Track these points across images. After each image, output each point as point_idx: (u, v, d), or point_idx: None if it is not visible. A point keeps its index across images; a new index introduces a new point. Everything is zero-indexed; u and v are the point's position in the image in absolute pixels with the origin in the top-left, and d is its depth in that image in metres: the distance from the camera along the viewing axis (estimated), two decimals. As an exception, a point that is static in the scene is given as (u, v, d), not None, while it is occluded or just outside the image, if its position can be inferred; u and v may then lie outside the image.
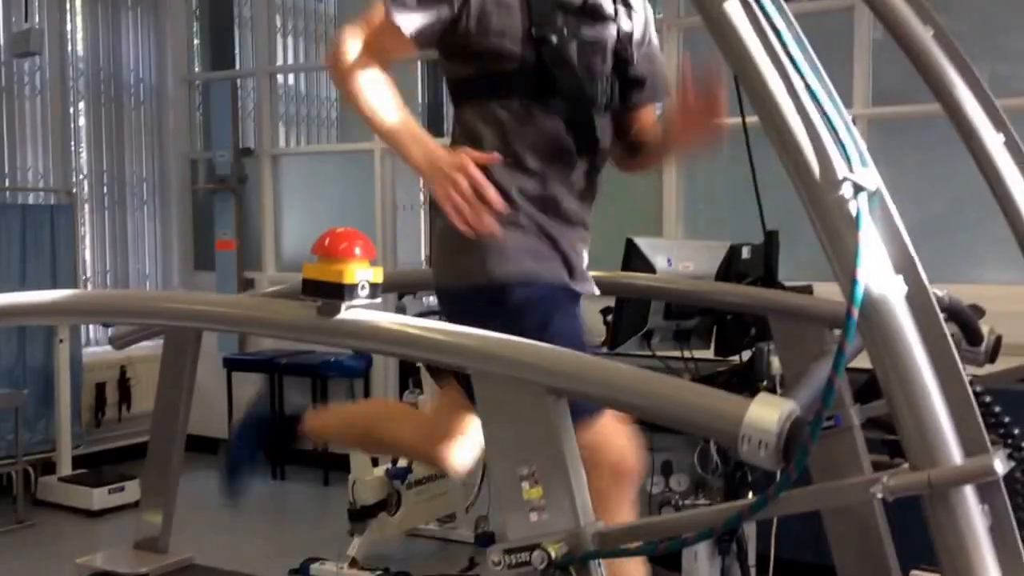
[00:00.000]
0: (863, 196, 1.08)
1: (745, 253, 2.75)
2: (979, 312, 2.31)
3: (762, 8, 1.10)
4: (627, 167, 1.96)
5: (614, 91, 1.81)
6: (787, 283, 2.96)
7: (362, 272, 1.43)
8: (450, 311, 1.80)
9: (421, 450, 2.06)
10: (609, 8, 1.81)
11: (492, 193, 1.56)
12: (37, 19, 5.43)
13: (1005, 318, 2.23)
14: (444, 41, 1.75)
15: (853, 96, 4.31)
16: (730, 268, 2.68)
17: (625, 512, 1.70)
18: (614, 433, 1.75)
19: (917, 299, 1.09)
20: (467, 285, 1.74)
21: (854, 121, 4.27)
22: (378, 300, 1.44)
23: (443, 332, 1.41)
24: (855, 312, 1.06)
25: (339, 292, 1.41)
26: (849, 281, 1.06)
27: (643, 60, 1.87)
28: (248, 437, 2.28)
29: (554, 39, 1.72)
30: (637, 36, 1.86)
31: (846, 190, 1.07)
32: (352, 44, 1.70)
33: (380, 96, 1.69)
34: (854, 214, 1.07)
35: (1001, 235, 1.75)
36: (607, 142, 1.84)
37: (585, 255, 1.85)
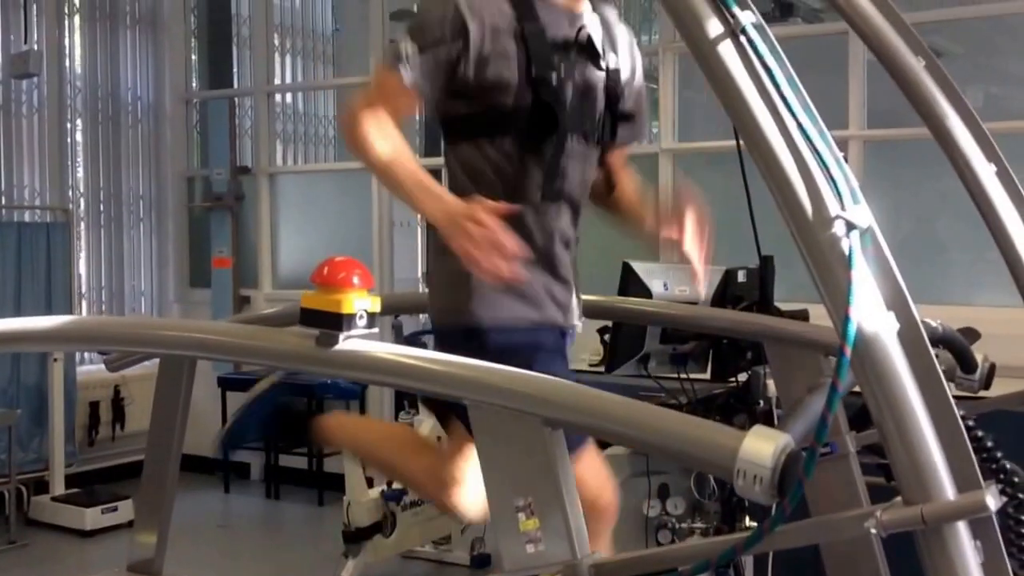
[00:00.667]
0: (855, 234, 1.09)
1: (741, 277, 2.76)
2: (974, 335, 2.32)
3: (754, 48, 1.12)
4: (600, 202, 2.00)
5: (606, 129, 1.85)
6: (782, 304, 2.98)
7: (360, 301, 1.43)
8: (439, 348, 1.82)
9: (432, 492, 2.02)
10: (599, 47, 1.84)
11: (508, 240, 1.56)
12: (35, 38, 5.45)
13: (1001, 341, 2.24)
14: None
15: (848, 118, 4.34)
16: (726, 292, 2.69)
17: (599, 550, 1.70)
18: (593, 468, 1.76)
19: (909, 336, 1.10)
20: (452, 324, 1.77)
21: (847, 146, 4.31)
22: (376, 330, 1.45)
23: (439, 363, 1.42)
24: (848, 350, 1.07)
25: (337, 322, 1.41)
26: (842, 319, 1.07)
27: (631, 98, 1.91)
28: (261, 410, 2.28)
29: (553, 79, 1.75)
30: (625, 75, 1.90)
31: (838, 228, 1.09)
32: (363, 106, 1.72)
33: (391, 149, 1.70)
34: (846, 252, 1.08)
35: (997, 256, 1.76)
36: (591, 181, 1.89)
37: (574, 292, 1.89)
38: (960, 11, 4.42)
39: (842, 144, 4.27)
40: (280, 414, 2.30)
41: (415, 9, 1.83)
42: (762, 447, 1.09)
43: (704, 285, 1.90)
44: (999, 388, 1.97)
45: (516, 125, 1.75)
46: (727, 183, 4.46)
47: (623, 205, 1.99)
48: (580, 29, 1.81)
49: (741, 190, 3.00)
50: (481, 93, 1.74)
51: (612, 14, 1.91)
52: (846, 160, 1.12)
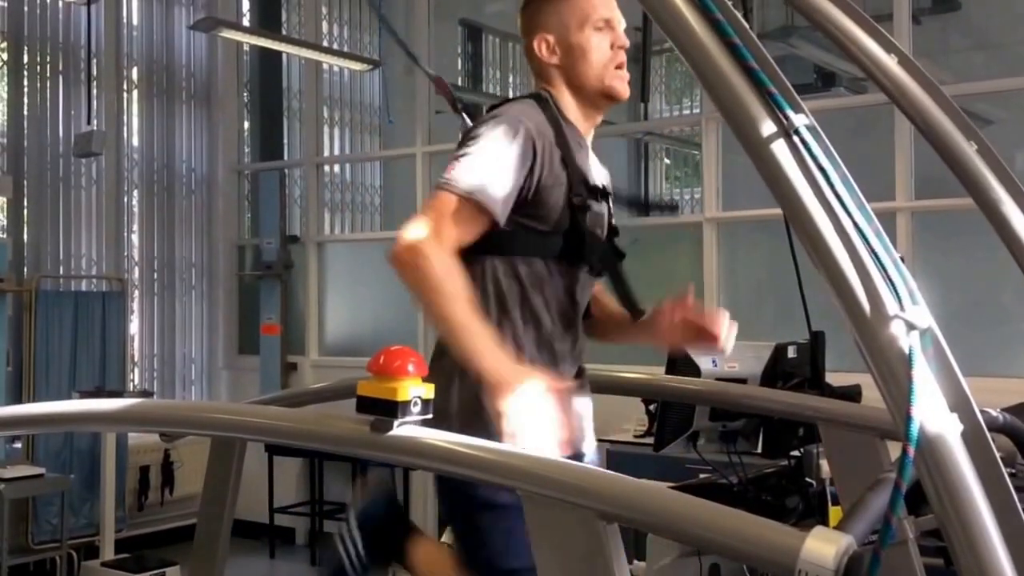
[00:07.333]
0: (915, 334, 1.08)
1: (791, 352, 2.73)
2: (1032, 412, 2.26)
3: (808, 150, 1.13)
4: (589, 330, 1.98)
5: (607, 260, 1.86)
6: (832, 373, 2.93)
7: (415, 389, 1.45)
8: (441, 485, 1.81)
9: None
10: (604, 188, 1.88)
11: (563, 420, 1.51)
12: (95, 121, 5.64)
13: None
14: None
15: (895, 190, 4.32)
16: (776, 368, 2.66)
17: None
18: None
19: (973, 437, 1.09)
20: None
21: (895, 218, 4.25)
22: (430, 415, 1.47)
23: (492, 451, 1.42)
24: (911, 450, 1.05)
25: (392, 409, 1.43)
26: (904, 418, 1.06)
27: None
28: (368, 534, 2.17)
29: (592, 207, 1.78)
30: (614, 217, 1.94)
31: (898, 328, 1.08)
32: (427, 237, 1.60)
33: (458, 294, 1.59)
34: (907, 352, 1.07)
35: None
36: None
37: (584, 403, 1.90)
38: (1007, 83, 4.41)
39: (889, 216, 4.26)
40: (377, 533, 2.21)
41: (473, 131, 1.73)
42: (824, 549, 1.08)
43: (730, 344, 1.84)
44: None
45: (550, 248, 1.75)
46: (772, 252, 4.45)
47: (608, 317, 1.98)
48: (586, 156, 1.83)
49: (786, 258, 2.98)
50: (528, 214, 1.73)
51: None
52: (903, 260, 1.12)
